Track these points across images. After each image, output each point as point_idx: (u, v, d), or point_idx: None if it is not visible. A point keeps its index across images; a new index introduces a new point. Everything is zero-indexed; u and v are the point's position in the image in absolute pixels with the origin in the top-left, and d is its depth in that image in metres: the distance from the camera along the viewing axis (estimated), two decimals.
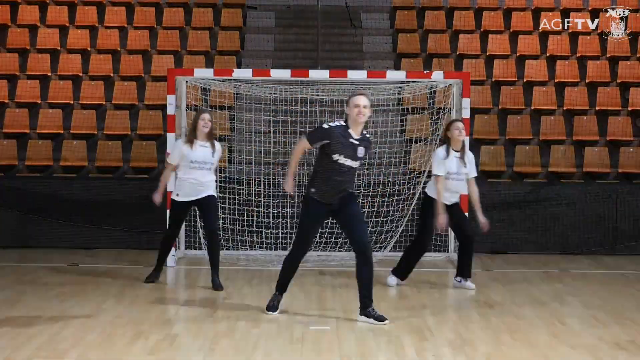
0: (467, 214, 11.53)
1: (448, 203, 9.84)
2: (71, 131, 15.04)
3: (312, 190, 8.08)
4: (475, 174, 10.02)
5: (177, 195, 9.75)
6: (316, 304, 8.96)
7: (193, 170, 9.61)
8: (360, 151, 8.05)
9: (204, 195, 9.68)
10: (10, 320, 8.08)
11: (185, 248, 12.38)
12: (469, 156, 9.92)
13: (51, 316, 8.26)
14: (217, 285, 9.84)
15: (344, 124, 8.02)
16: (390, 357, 6.96)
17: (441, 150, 9.76)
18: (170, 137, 11.49)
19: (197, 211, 9.83)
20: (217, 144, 9.81)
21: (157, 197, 9.69)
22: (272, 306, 8.48)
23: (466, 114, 11.61)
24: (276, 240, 12.40)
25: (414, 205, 12.17)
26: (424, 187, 10.58)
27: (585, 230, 13.10)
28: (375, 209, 12.26)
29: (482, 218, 9.78)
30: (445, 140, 9.81)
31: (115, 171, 14.56)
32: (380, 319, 8.10)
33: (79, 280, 10.39)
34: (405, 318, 8.40)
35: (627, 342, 7.54)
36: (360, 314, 8.19)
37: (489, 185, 13.50)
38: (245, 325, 7.98)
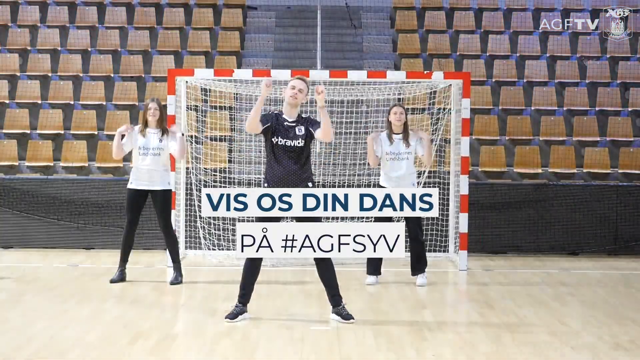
0: (466, 213, 11.58)
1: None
2: (72, 131, 15.05)
3: (265, 185, 8.16)
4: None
5: (131, 183, 10.09)
6: (316, 303, 8.94)
7: (143, 157, 9.98)
8: (299, 129, 8.19)
9: (157, 188, 10.00)
10: (10, 320, 8.09)
11: (185, 248, 12.37)
12: (415, 137, 10.29)
13: (51, 316, 8.26)
14: (174, 280, 10.12)
15: (278, 112, 8.29)
16: (390, 357, 6.96)
17: (382, 134, 10.35)
18: None
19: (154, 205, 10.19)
20: (175, 130, 10.07)
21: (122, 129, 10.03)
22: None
23: (466, 114, 11.58)
24: None
25: None
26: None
27: (585, 230, 13.07)
28: None
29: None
30: (388, 125, 10.32)
31: (116, 171, 14.56)
32: (347, 317, 8.08)
33: (79, 280, 10.38)
34: (405, 318, 8.41)
35: (627, 342, 7.54)
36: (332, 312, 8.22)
37: (489, 185, 13.50)
38: (245, 325, 7.98)
